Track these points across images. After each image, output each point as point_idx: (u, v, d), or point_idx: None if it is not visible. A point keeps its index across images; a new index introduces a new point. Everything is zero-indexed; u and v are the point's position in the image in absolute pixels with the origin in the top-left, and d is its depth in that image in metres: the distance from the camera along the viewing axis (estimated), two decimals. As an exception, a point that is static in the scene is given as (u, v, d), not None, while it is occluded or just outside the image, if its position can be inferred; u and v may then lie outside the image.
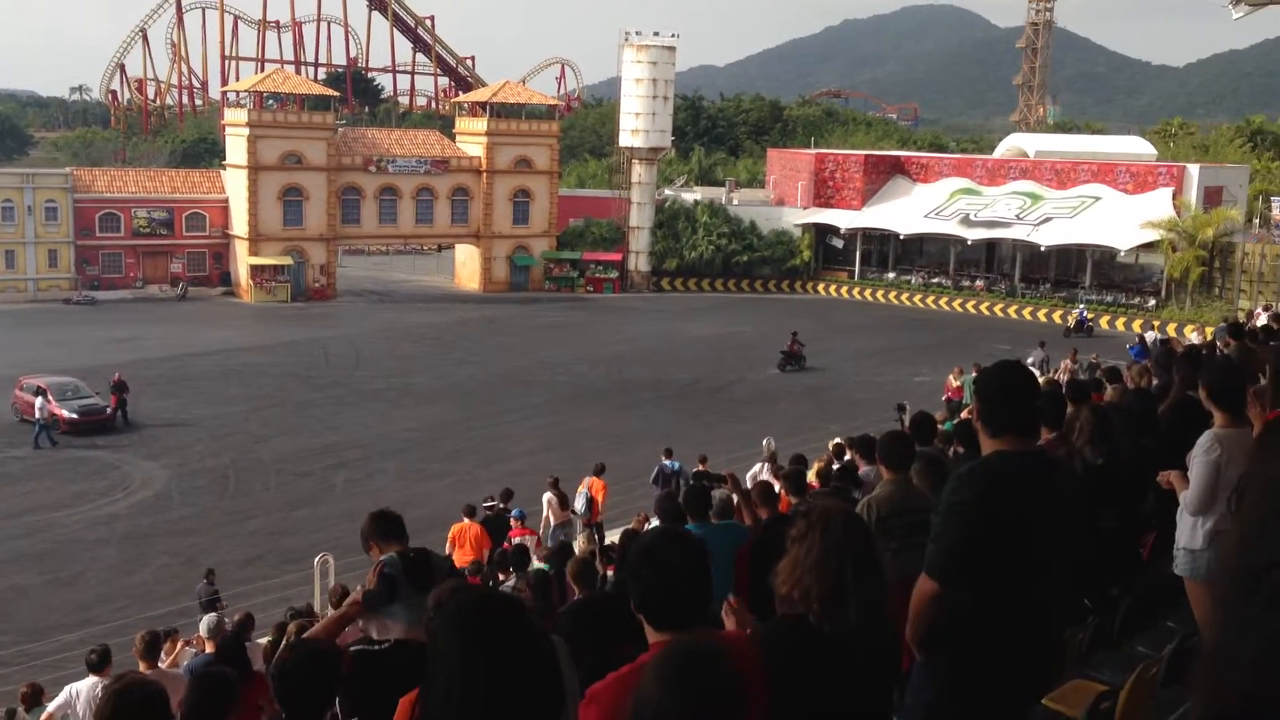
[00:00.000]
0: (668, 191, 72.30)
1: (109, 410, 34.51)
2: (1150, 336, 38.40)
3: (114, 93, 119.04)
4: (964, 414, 17.38)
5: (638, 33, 67.65)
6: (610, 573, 11.62)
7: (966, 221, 62.33)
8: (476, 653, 2.67)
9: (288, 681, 4.36)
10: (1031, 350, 35.13)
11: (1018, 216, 61.10)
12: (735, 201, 71.27)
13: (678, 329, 53.96)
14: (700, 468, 21.13)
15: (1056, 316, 57.14)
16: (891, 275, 66.90)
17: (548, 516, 20.62)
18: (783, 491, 10.52)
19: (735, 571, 7.38)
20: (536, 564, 13.68)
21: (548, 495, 20.83)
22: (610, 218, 69.53)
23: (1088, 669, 5.32)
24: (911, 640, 4.29)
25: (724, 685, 2.68)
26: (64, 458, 31.65)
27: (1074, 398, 8.52)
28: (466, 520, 18.58)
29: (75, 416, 33.58)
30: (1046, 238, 58.71)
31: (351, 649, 5.66)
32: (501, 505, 20.38)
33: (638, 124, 66.69)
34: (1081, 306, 54.68)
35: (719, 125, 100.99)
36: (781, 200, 71.39)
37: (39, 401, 32.78)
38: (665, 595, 3.37)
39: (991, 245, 63.65)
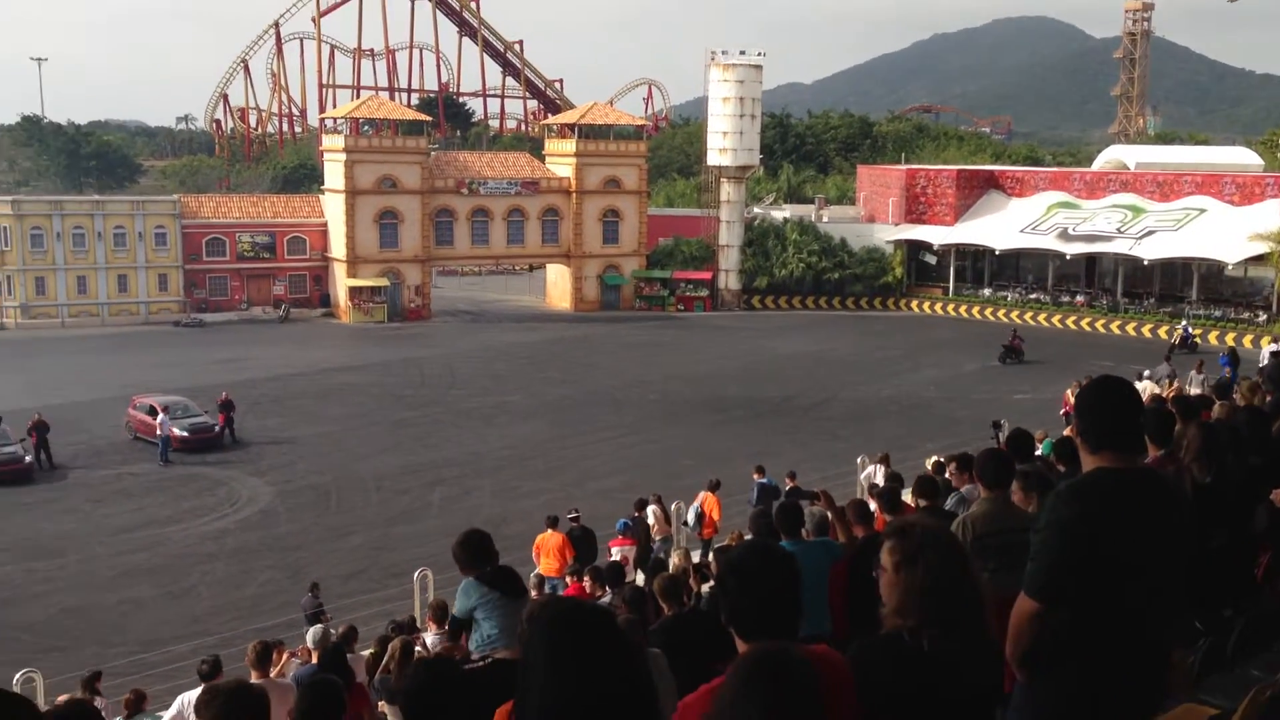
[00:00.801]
0: (756, 209, 72.20)
1: (217, 428, 35.65)
2: (1265, 352, 37.13)
3: (218, 122, 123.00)
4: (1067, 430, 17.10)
5: (724, 52, 67.82)
6: (704, 589, 11.68)
7: (1065, 236, 61.13)
8: (568, 664, 2.70)
9: (417, 699, 4.44)
10: (1153, 366, 34.25)
11: (1119, 230, 59.74)
12: (825, 219, 70.90)
13: (769, 347, 53.80)
14: (790, 485, 21.09)
15: (1162, 332, 55.68)
16: (987, 291, 65.88)
17: (650, 531, 20.76)
18: (878, 509, 10.50)
19: (830, 589, 7.41)
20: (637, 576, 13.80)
21: (651, 508, 20.99)
22: (700, 236, 69.69)
23: (1200, 692, 5.25)
24: (1012, 661, 4.27)
25: (799, 693, 2.70)
26: (175, 474, 32.74)
27: (1183, 414, 8.38)
28: (549, 531, 18.85)
29: (186, 434, 34.74)
30: (1150, 251, 57.30)
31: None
32: (631, 519, 20.58)
33: (725, 143, 66.79)
34: (1185, 322, 53.23)
35: (807, 143, 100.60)
36: (872, 217, 70.81)
37: (160, 419, 34.06)
38: (752, 608, 3.41)
39: (1092, 260, 62.31)
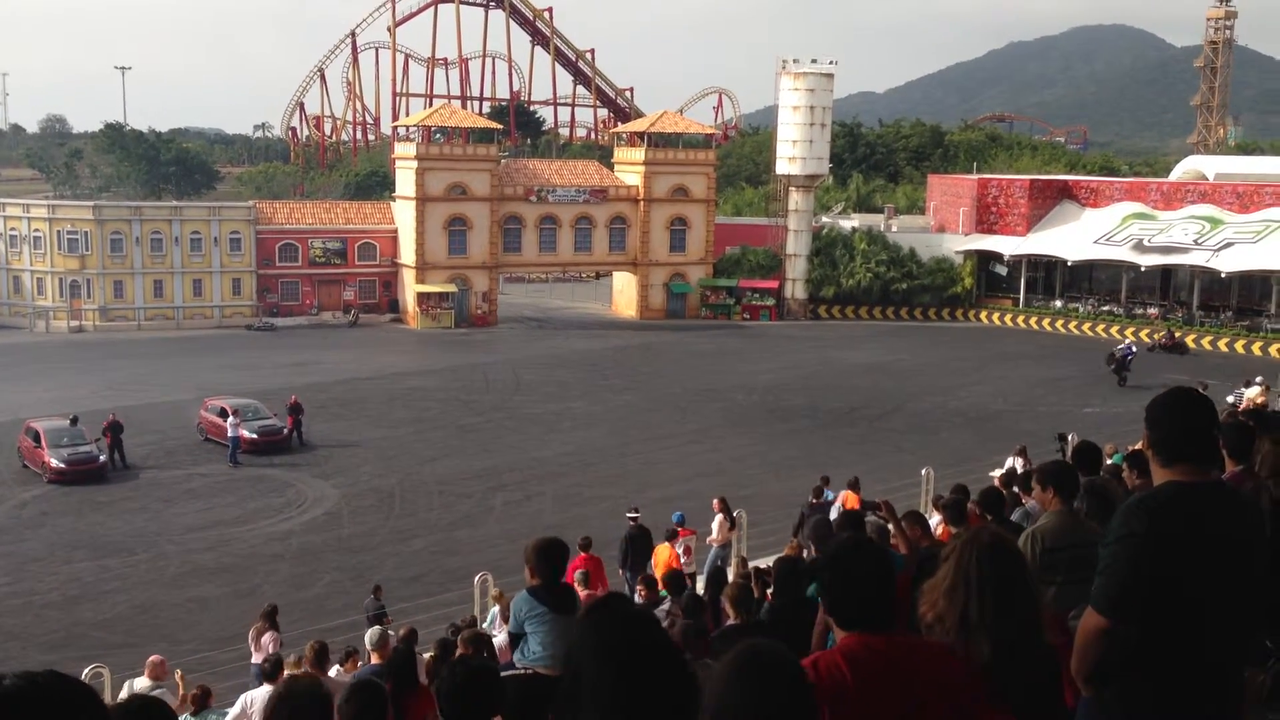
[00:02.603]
0: (825, 219, 71.72)
1: (285, 431, 36.17)
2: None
3: (294, 129, 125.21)
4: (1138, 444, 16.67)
5: (795, 60, 67.49)
6: (767, 598, 11.53)
7: (1140, 247, 59.88)
8: (609, 668, 2.66)
9: (453, 698, 4.46)
10: (1234, 380, 33.43)
11: (1196, 242, 58.37)
12: (894, 228, 70.23)
13: (835, 357, 53.36)
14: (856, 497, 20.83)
15: (1239, 346, 54.28)
16: (1059, 303, 64.76)
17: (714, 537, 20.62)
18: (942, 521, 10.33)
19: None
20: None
21: (719, 517, 20.87)
22: (767, 245, 69.39)
23: (1270, 713, 5.06)
24: (1078, 676, 4.16)
25: (789, 685, 2.65)
26: (243, 476, 33.26)
27: (1261, 429, 8.10)
28: (665, 544, 18.69)
29: (255, 436, 35.29)
30: (1228, 264, 55.92)
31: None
32: (678, 523, 20.45)
33: (795, 151, 66.44)
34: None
35: (878, 152, 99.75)
36: (942, 227, 69.97)
37: (230, 421, 34.68)
38: (851, 600, 3.53)
39: (1167, 272, 60.96)
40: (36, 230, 63.50)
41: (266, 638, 16.05)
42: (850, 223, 71.09)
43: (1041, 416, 38.77)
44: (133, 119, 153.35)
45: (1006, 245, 65.39)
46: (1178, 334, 55.04)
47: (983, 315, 66.36)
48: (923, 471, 24.15)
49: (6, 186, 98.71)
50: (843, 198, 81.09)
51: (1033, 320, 64.13)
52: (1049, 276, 66.31)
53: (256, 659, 15.42)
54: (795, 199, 67.39)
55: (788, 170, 66.97)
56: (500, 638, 12.24)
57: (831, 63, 67.80)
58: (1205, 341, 56.32)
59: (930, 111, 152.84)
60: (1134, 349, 46.87)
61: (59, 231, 62.96)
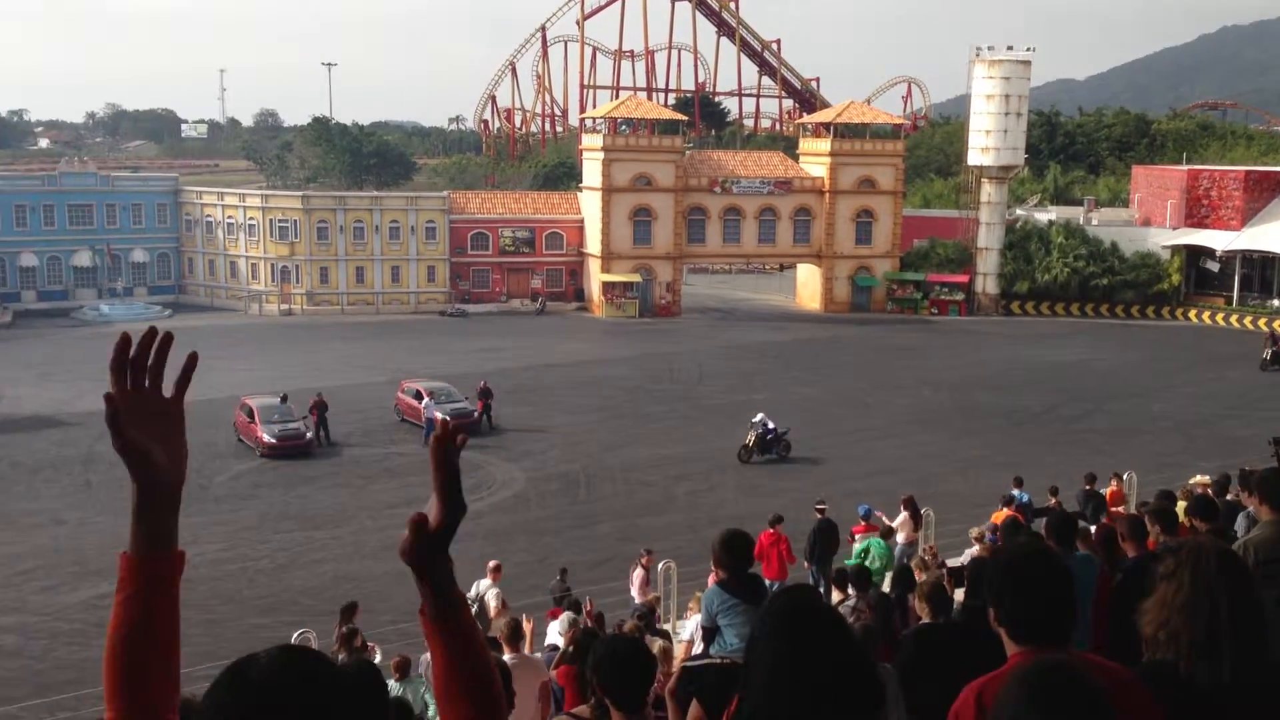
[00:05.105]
0: (1019, 211, 69.34)
1: (476, 414, 37.37)
2: None
3: (486, 122, 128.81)
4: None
5: (990, 48, 65.39)
6: (960, 597, 11.30)
7: (1369, 243, 55.66)
8: (784, 652, 2.66)
9: (609, 670, 4.57)
10: None
11: None
12: (1094, 221, 67.29)
13: (1029, 354, 51.56)
14: (1052, 502, 20.14)
15: None
16: (1276, 302, 60.82)
17: (897, 537, 20.30)
18: (1151, 528, 9.88)
19: (1094, 610, 7.03)
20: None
21: (904, 514, 20.55)
22: (957, 238, 67.55)
23: None
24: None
25: (1090, 710, 2.56)
26: (436, 456, 34.48)
27: None
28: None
29: (447, 419, 36.53)
30: None
31: (684, 664, 5.84)
32: (868, 518, 20.26)
33: (988, 141, 64.43)
34: None
35: (1077, 142, 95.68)
36: (1147, 220, 66.66)
37: (425, 403, 36.09)
38: (1026, 609, 3.33)
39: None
40: (251, 219, 67.43)
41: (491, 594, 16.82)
42: (1047, 215, 68.52)
43: (1257, 422, 36.52)
44: (338, 113, 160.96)
45: (1219, 240, 61.80)
46: None
47: (1191, 314, 62.91)
48: (1125, 476, 23.12)
49: (225, 177, 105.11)
50: (1039, 189, 78.20)
51: (1247, 320, 60.41)
52: (1265, 274, 62.31)
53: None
54: (988, 191, 65.35)
55: (980, 161, 65.00)
56: (685, 634, 12.40)
57: (1029, 49, 65.42)
58: None
59: (1135, 99, 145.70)
60: None
61: (271, 220, 66.69)
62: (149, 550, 1.92)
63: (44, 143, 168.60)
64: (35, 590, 23.94)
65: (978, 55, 65.10)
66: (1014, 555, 3.56)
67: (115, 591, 1.92)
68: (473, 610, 14.59)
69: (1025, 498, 21.77)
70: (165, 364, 1.92)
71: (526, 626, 14.46)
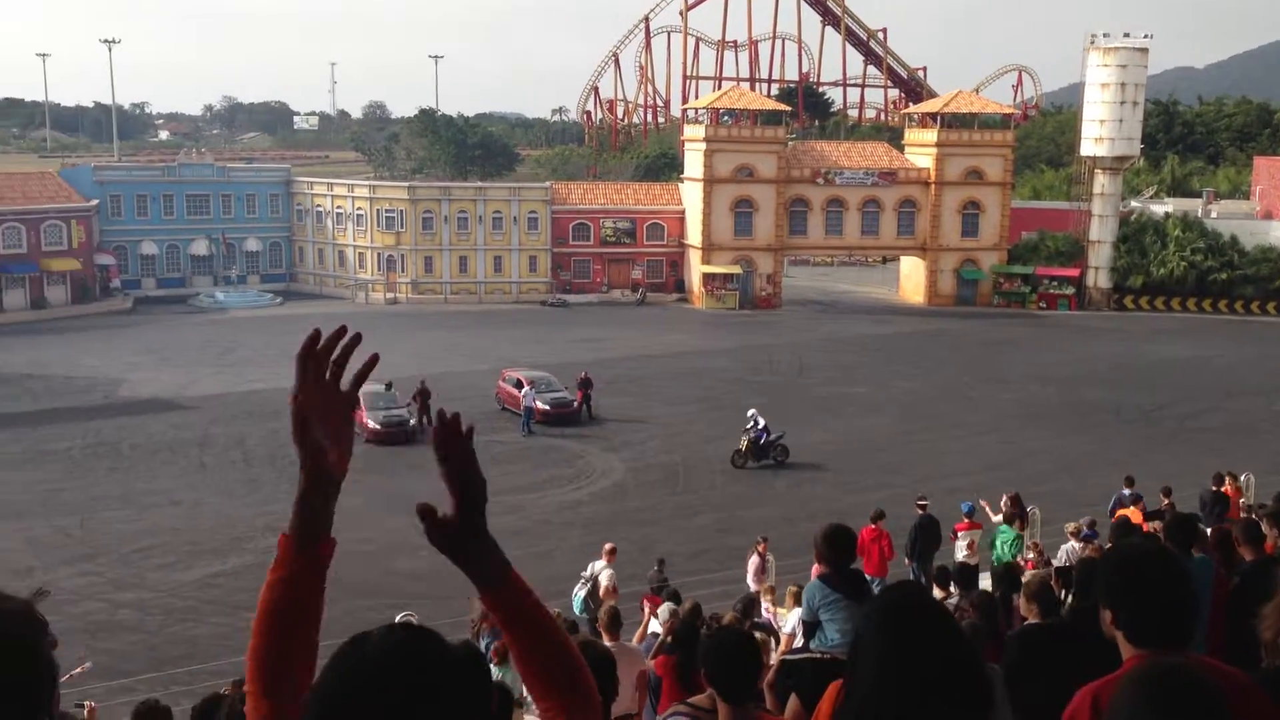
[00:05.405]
0: (1134, 203, 67.35)
1: (575, 404, 37.64)
2: None
3: (588, 113, 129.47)
4: None
5: (1105, 35, 63.57)
6: (1069, 597, 11.04)
7: None
8: (892, 647, 2.62)
9: (716, 662, 4.63)
10: None
11: None
12: (1214, 214, 65.03)
13: (1141, 351, 50.07)
14: (1166, 503, 19.49)
15: None
16: (1407, 298, 58.08)
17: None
18: (1271, 532, 9.52)
19: (1211, 613, 6.81)
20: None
21: (1005, 512, 20.13)
22: (1068, 231, 65.85)
23: None
24: None
25: (1209, 714, 2.47)
26: (536, 445, 34.91)
27: None
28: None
29: (547, 408, 36.95)
30: None
31: (783, 657, 5.82)
32: (971, 514, 19.91)
33: (1102, 131, 62.67)
34: None
35: (1196, 132, 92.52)
36: (1269, 213, 64.18)
37: (524, 392, 36.49)
38: (1146, 611, 3.25)
39: None
40: (359, 209, 68.90)
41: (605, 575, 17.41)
42: (1163, 207, 66.42)
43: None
44: (444, 105, 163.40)
45: (1347, 234, 59.19)
46: None
47: (1316, 310, 60.41)
48: (1242, 478, 22.28)
49: (334, 168, 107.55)
50: (1155, 181, 75.88)
51: (1376, 317, 57.83)
52: (1397, 269, 59.54)
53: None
54: (1101, 182, 63.57)
55: (1093, 151, 63.26)
56: (788, 627, 12.33)
57: (1146, 36, 63.42)
58: None
59: (1257, 88, 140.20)
60: None
61: (378, 210, 68.05)
62: (306, 536, 2.00)
63: (164, 135, 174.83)
64: (152, 568, 24.83)
65: (1092, 43, 63.38)
66: (1131, 555, 3.47)
67: (270, 570, 1.98)
68: (584, 590, 14.94)
69: (1138, 496, 21.13)
70: (349, 361, 2.00)
71: (651, 609, 14.57)
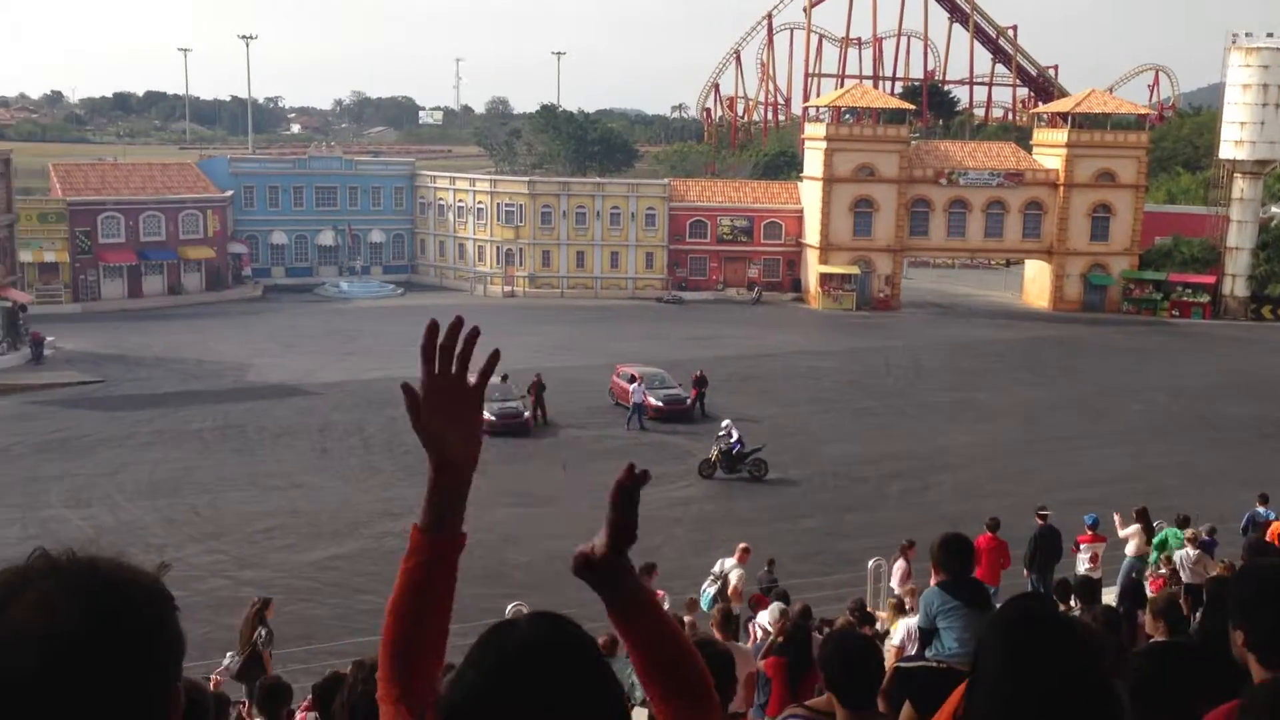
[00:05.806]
0: (1274, 209, 64.48)
1: (689, 401, 37.60)
2: None
3: (708, 110, 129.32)
4: None
5: (1248, 34, 60.99)
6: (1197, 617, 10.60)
7: None
8: (1015, 658, 2.56)
9: (837, 666, 4.56)
10: None
11: None
12: (1362, 221, 61.88)
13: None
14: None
15: None
16: None
17: (1127, 549, 19.21)
18: None
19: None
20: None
21: (1136, 526, 19.43)
22: (1204, 237, 63.38)
23: None
24: None
25: None
26: (648, 441, 34.97)
27: None
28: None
29: (660, 404, 37.00)
30: None
31: (898, 665, 5.74)
32: (1095, 527, 19.29)
33: (1242, 134, 60.16)
34: None
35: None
36: None
37: (635, 387, 36.60)
38: (1278, 630, 3.08)
39: None
40: (480, 203, 70.04)
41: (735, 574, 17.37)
42: (1308, 214, 63.46)
43: None
44: (565, 101, 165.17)
45: None
46: None
47: None
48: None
49: (457, 162, 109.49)
50: (1298, 186, 72.45)
51: None
52: None
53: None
54: (1241, 186, 61.04)
55: (1233, 155, 60.77)
56: (898, 635, 12.09)
57: (1294, 34, 60.62)
58: None
59: None
60: None
61: (498, 204, 69.07)
62: (434, 528, 2.01)
63: (295, 128, 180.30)
64: (274, 548, 25.61)
65: (1234, 42, 60.90)
66: (1267, 574, 3.31)
67: (403, 560, 2.00)
68: (714, 588, 14.82)
69: (1271, 515, 20.22)
70: (472, 353, 1.99)
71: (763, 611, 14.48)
